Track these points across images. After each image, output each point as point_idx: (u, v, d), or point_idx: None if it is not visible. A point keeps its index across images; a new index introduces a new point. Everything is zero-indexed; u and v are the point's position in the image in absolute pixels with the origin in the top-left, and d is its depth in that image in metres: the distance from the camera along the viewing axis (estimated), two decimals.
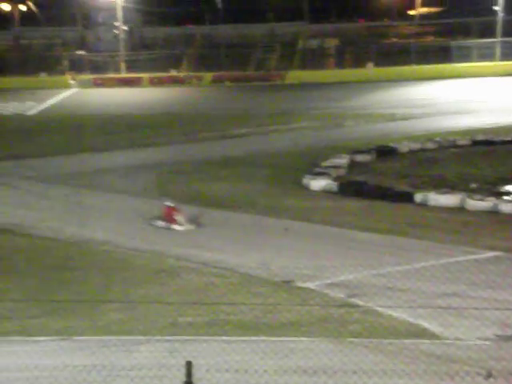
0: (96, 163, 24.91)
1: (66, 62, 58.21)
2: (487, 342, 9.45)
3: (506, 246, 14.13)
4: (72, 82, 55.25)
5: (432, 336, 9.77)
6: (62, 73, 57.17)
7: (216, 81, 54.71)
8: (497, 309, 10.39)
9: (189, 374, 5.53)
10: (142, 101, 46.40)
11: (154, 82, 54.83)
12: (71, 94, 51.88)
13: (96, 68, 57.82)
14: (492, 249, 13.95)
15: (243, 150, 26.61)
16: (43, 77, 56.57)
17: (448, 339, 9.64)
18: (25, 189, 20.95)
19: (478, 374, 7.43)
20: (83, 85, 54.74)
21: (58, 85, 53.88)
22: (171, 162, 24.59)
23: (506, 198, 18.33)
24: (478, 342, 9.49)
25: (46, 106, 44.85)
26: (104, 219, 17.23)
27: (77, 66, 57.51)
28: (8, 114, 40.53)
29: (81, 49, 59.88)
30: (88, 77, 56.21)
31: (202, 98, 48.18)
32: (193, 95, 49.44)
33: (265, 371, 7.87)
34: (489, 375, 6.76)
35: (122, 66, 58.02)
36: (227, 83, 54.18)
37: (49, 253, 14.51)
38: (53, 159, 25.90)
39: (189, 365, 5.55)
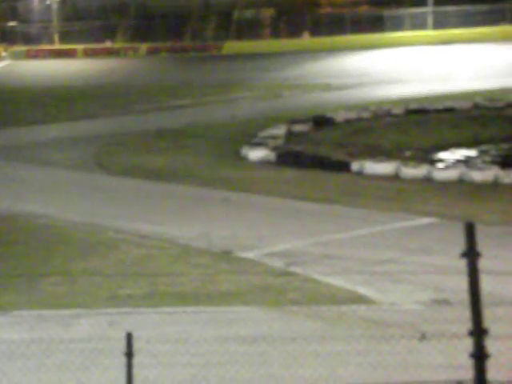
0: (31, 136, 24.55)
1: None
2: (422, 306, 9.69)
3: (440, 212, 14.44)
4: (4, 53, 54.14)
5: (369, 302, 9.96)
6: None
7: (152, 52, 54.23)
8: (431, 273, 10.64)
9: (129, 345, 5.56)
10: (77, 73, 45.76)
11: (89, 54, 54.10)
12: (3, 66, 50.86)
13: (29, 39, 56.75)
14: (426, 215, 14.25)
15: (180, 121, 26.51)
16: None
17: (384, 304, 9.85)
18: None
19: (413, 336, 7.63)
20: (16, 57, 53.70)
21: None
22: (108, 135, 24.37)
23: (439, 165, 18.69)
24: (413, 306, 9.72)
25: None
26: (41, 193, 17.05)
27: (8, 38, 56.34)
28: None
29: (12, 20, 58.62)
30: (20, 48, 55.16)
31: (137, 69, 47.73)
32: (128, 67, 48.94)
33: (205, 340, 7.95)
34: (423, 337, 6.97)
35: (56, 37, 57.05)
36: (163, 54, 53.75)
37: None
38: None
39: (129, 336, 5.57)
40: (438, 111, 25.74)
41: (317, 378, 7.43)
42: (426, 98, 28.18)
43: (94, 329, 9.08)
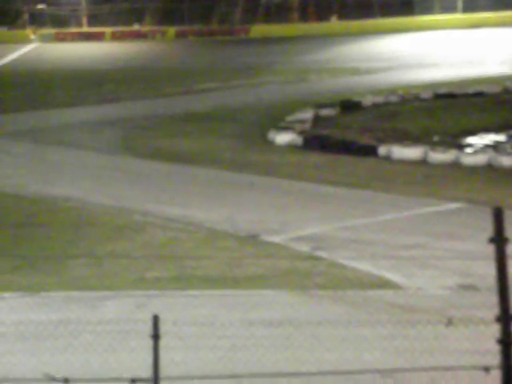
0: (60, 119, 24.68)
1: (26, 16, 57.24)
2: (448, 291, 9.65)
3: (468, 197, 14.34)
4: (33, 36, 54.41)
5: (395, 286, 9.94)
6: (23, 27, 56.25)
7: (179, 35, 54.21)
8: (458, 259, 10.58)
9: (155, 327, 5.60)
10: (105, 56, 45.89)
11: (117, 37, 54.18)
12: (32, 48, 51.11)
13: (57, 22, 56.94)
14: (454, 200, 14.15)
15: (208, 105, 26.51)
16: (3, 31, 55.60)
17: (410, 289, 9.82)
18: None
19: (439, 321, 7.60)
20: (44, 39, 53.92)
21: (18, 39, 53.01)
22: (135, 118, 24.44)
23: (467, 150, 18.55)
24: (440, 292, 9.68)
25: (7, 61, 44.19)
26: (69, 175, 17.15)
27: (37, 20, 56.58)
28: None
29: (41, 2, 58.85)
30: (49, 31, 55.37)
31: (165, 52, 47.77)
32: (156, 50, 48.98)
33: (231, 323, 7.98)
34: (449, 323, 6.93)
35: (84, 19, 57.21)
36: (191, 38, 53.72)
37: (13, 210, 14.45)
38: (15, 115, 25.61)
39: (156, 319, 5.61)
40: (466, 95, 25.51)
41: (342, 362, 7.44)
42: (456, 83, 27.94)
43: (121, 311, 9.14)
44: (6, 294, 9.86)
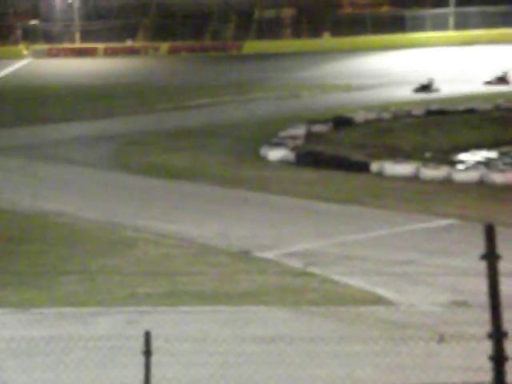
0: (52, 134, 24.68)
1: (19, 32, 57.32)
2: (440, 308, 9.65)
3: (460, 213, 14.38)
4: (25, 52, 54.46)
5: (387, 303, 9.93)
6: (15, 43, 56.32)
7: (172, 51, 54.35)
8: (450, 275, 10.59)
9: (147, 344, 5.58)
10: (98, 71, 45.95)
11: (109, 53, 54.28)
12: (25, 64, 51.15)
13: (50, 38, 57.05)
14: (446, 217, 14.19)
15: (200, 121, 26.56)
16: None
17: (402, 306, 9.82)
18: None
19: (431, 338, 7.61)
20: (37, 55, 53.99)
21: (10, 55, 53.08)
22: (128, 133, 24.46)
23: (459, 166, 18.61)
24: (432, 308, 9.68)
25: None
26: (61, 191, 17.13)
27: (30, 36, 56.67)
28: None
29: (34, 18, 58.96)
30: (42, 47, 55.46)
31: (158, 68, 47.87)
32: (149, 66, 49.08)
33: (223, 340, 7.96)
34: (441, 339, 6.94)
35: (77, 35, 57.32)
36: (183, 54, 53.86)
37: (5, 225, 14.40)
38: (8, 130, 25.60)
39: (147, 335, 5.59)
40: (458, 112, 25.63)
41: (334, 379, 7.42)
42: (447, 99, 28.05)
43: (112, 327, 9.11)
44: None
